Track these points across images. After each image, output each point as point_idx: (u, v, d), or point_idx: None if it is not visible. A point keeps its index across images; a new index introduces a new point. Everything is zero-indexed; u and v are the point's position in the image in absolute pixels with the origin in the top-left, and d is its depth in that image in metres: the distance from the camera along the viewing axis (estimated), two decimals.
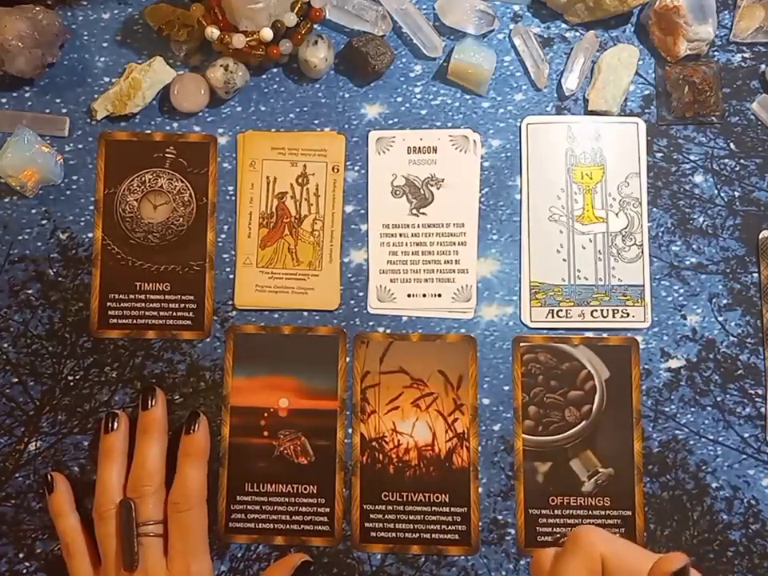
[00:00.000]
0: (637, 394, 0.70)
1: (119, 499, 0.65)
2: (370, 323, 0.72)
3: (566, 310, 0.71)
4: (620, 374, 0.71)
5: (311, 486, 0.70)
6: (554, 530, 0.69)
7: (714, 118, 0.73)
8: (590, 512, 0.69)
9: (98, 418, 0.70)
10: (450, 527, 0.69)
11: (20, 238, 0.72)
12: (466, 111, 0.74)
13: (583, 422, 0.70)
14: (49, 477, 0.68)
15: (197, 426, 0.68)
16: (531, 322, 0.71)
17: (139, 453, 0.67)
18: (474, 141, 0.73)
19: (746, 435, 0.70)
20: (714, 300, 0.72)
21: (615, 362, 0.71)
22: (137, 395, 0.71)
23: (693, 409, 0.71)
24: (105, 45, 0.75)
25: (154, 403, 0.69)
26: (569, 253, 0.72)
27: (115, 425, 0.68)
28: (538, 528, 0.69)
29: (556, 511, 0.69)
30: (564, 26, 0.75)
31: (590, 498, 0.69)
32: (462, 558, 0.69)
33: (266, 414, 0.71)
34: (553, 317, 0.71)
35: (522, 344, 0.71)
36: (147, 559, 0.64)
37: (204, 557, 0.66)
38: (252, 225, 0.73)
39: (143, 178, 0.73)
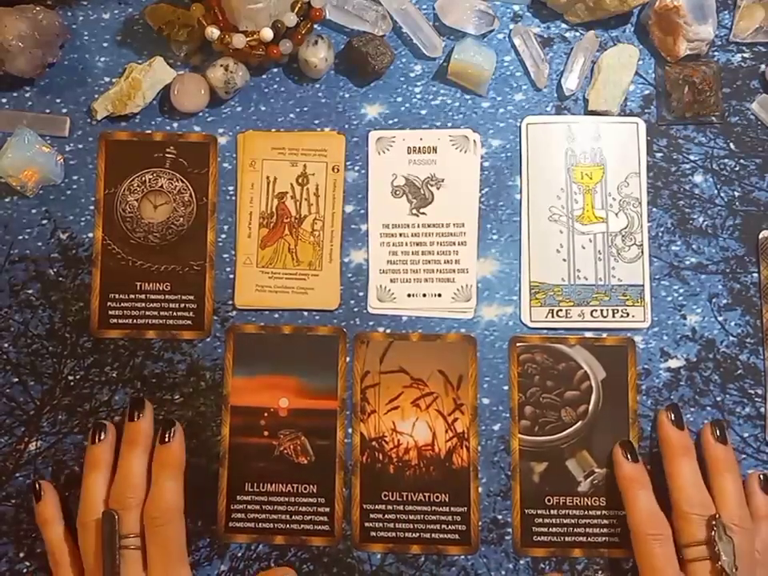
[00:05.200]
0: (633, 394, 0.70)
1: (103, 510, 0.64)
2: (370, 323, 0.72)
3: (566, 310, 0.71)
4: (616, 374, 0.70)
5: (311, 486, 0.70)
6: (550, 529, 0.69)
7: (713, 117, 0.73)
8: (586, 512, 0.69)
9: (98, 417, 0.70)
10: (449, 527, 0.69)
11: (20, 237, 0.73)
12: (466, 111, 0.74)
13: (579, 422, 0.70)
14: (36, 485, 0.68)
15: (172, 434, 0.67)
16: (531, 321, 0.71)
17: (124, 465, 0.66)
18: (474, 141, 0.73)
19: (746, 435, 0.70)
20: (713, 300, 0.72)
21: (611, 362, 0.71)
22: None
23: (693, 409, 0.71)
24: (105, 45, 0.75)
25: (141, 415, 0.68)
26: (569, 253, 0.72)
27: (102, 435, 0.67)
28: (534, 528, 0.69)
29: (552, 511, 0.69)
30: (564, 25, 0.75)
31: (585, 498, 0.69)
32: (462, 557, 0.69)
33: (266, 414, 0.71)
34: (553, 317, 0.71)
35: (518, 344, 0.71)
36: (128, 572, 0.63)
37: (183, 569, 0.64)
38: (252, 225, 0.73)
39: (143, 178, 0.73)
